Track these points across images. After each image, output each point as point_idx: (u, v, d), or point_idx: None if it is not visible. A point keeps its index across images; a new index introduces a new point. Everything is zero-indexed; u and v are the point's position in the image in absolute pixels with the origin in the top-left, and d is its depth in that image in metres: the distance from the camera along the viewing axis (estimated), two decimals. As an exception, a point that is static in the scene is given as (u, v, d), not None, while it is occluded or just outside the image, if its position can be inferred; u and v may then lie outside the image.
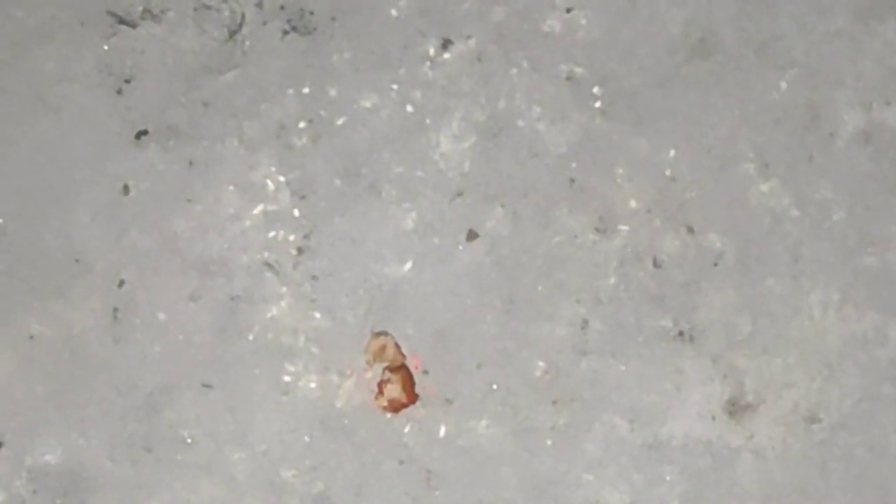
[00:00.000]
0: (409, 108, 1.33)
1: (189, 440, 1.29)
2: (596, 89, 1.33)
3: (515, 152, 1.32)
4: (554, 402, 1.29)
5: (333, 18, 1.34)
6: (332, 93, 1.33)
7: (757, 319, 1.30)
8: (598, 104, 1.33)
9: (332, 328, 1.30)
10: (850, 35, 1.34)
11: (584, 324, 1.30)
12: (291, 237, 1.31)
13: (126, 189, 1.32)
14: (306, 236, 1.31)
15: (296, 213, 1.31)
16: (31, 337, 1.30)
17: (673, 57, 1.34)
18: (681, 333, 1.30)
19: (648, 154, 1.32)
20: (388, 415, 1.29)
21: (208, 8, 1.34)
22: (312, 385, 1.29)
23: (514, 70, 1.33)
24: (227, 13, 1.34)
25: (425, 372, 1.30)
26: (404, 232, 1.31)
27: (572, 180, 1.32)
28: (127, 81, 1.33)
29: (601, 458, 1.29)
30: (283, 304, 1.30)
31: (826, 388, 1.30)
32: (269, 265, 1.30)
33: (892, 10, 1.34)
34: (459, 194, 1.31)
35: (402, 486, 1.29)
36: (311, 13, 1.34)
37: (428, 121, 1.33)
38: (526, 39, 1.34)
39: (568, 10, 1.34)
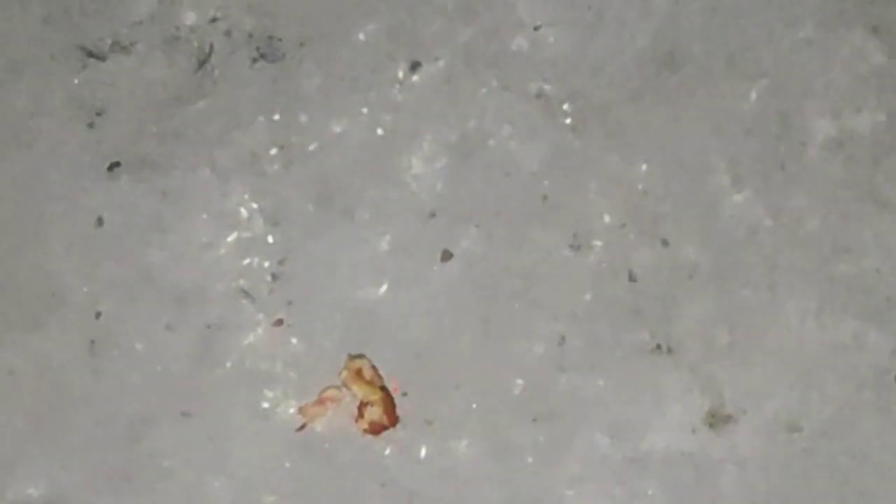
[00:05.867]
0: (380, 132, 1.46)
1: (169, 469, 1.41)
2: (566, 106, 1.46)
3: (487, 172, 1.45)
4: (534, 420, 1.41)
5: (302, 44, 1.48)
6: (303, 119, 1.46)
7: (734, 330, 1.42)
8: (568, 120, 1.46)
9: (308, 353, 1.43)
10: (818, 44, 1.47)
11: (562, 340, 1.42)
12: (266, 264, 1.44)
13: (100, 221, 1.45)
14: (281, 262, 1.44)
15: (270, 239, 1.44)
16: (10, 371, 1.43)
17: (642, 71, 1.47)
18: (658, 346, 1.42)
19: (620, 169, 1.45)
20: (369, 438, 1.41)
21: (177, 39, 1.48)
22: (291, 410, 1.42)
23: (484, 90, 1.47)
24: (195, 43, 1.48)
25: (404, 394, 1.42)
26: (379, 255, 1.44)
27: (545, 197, 1.45)
28: (98, 114, 1.47)
29: (582, 473, 1.41)
30: (259, 330, 1.43)
31: (806, 397, 1.41)
32: (244, 292, 1.43)
33: (860, 18, 1.47)
34: (433, 215, 1.44)
35: (384, 508, 1.41)
36: (280, 40, 1.48)
37: (399, 143, 1.46)
38: (494, 59, 1.47)
39: (535, 28, 1.48)
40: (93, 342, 1.43)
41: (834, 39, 1.47)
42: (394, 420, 1.41)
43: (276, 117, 1.46)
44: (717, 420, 1.42)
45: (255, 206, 1.45)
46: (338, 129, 1.46)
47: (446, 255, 1.43)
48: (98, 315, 1.44)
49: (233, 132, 1.46)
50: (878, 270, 1.43)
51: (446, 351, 1.43)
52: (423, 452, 1.41)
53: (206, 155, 1.46)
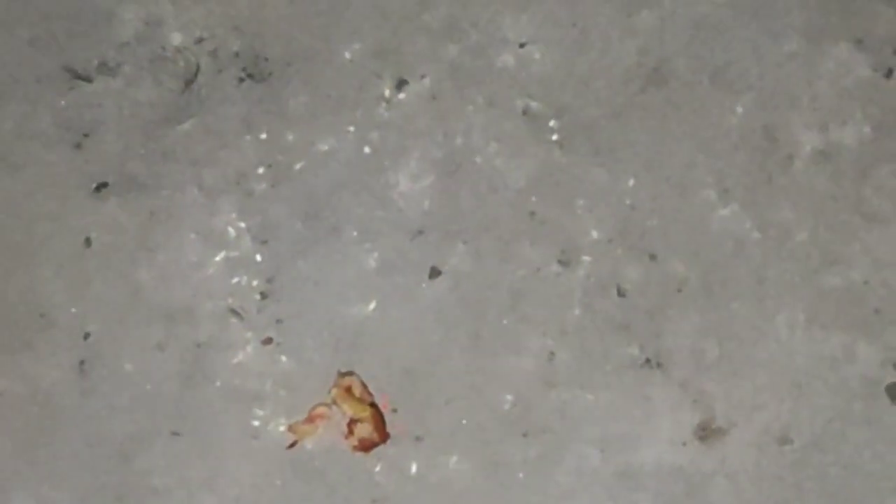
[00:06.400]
0: (367, 150, 1.49)
1: (160, 488, 1.43)
2: (552, 122, 1.49)
3: (474, 188, 1.47)
4: (524, 435, 1.43)
5: (288, 64, 1.50)
6: (290, 137, 1.49)
7: (724, 343, 1.44)
8: (555, 137, 1.49)
9: (298, 371, 1.45)
10: (803, 57, 1.50)
11: (551, 356, 1.45)
12: (254, 282, 1.46)
13: (88, 242, 1.47)
14: (269, 280, 1.46)
15: (258, 258, 1.47)
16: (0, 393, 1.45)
17: (628, 87, 1.50)
18: (648, 361, 1.44)
19: (608, 184, 1.48)
20: (359, 454, 1.43)
21: (163, 59, 1.50)
22: (282, 428, 1.43)
23: (470, 107, 1.49)
24: (182, 63, 1.50)
25: (394, 410, 1.44)
26: (367, 272, 1.46)
27: (533, 214, 1.47)
28: (85, 135, 1.49)
29: (574, 488, 1.42)
30: (248, 349, 1.45)
31: (796, 409, 1.43)
32: (233, 311, 1.45)
33: (844, 32, 1.50)
34: (420, 232, 1.47)
35: (375, 525, 1.43)
36: (266, 59, 1.50)
37: (386, 161, 1.49)
38: (480, 76, 1.50)
39: (521, 45, 1.50)
40: (82, 363, 1.45)
41: (819, 53, 1.50)
42: (384, 436, 1.43)
43: (263, 136, 1.49)
44: (707, 433, 1.43)
45: (242, 225, 1.47)
46: (324, 148, 1.49)
47: (434, 272, 1.45)
48: (87, 335, 1.46)
49: (220, 152, 1.49)
50: (866, 282, 1.45)
51: (436, 367, 1.45)
52: (413, 468, 1.43)
53: (193, 175, 1.48)
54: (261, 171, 1.48)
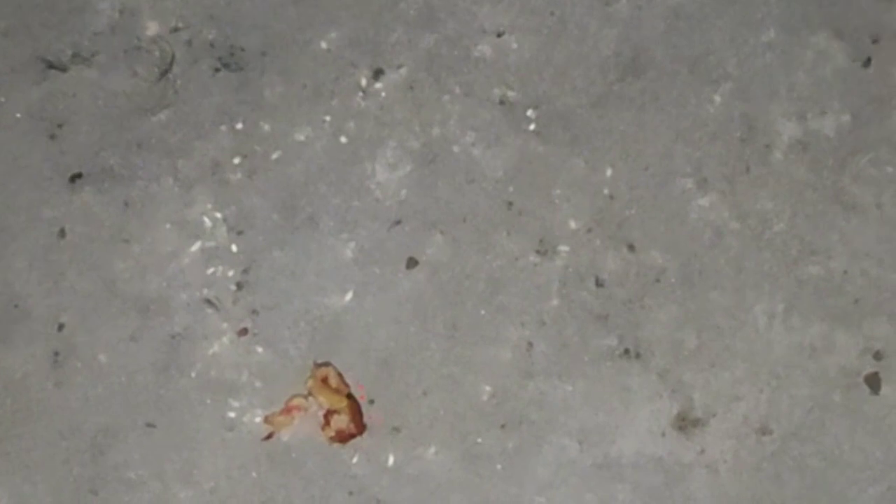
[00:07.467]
0: (344, 139, 1.49)
1: (135, 481, 1.43)
2: (530, 112, 1.50)
3: (452, 178, 1.48)
4: (502, 426, 1.44)
5: (264, 54, 1.51)
6: (266, 127, 1.50)
7: (702, 333, 1.45)
8: (532, 127, 1.50)
9: (274, 362, 1.45)
10: (781, 47, 1.51)
11: (529, 346, 1.45)
12: (230, 273, 1.47)
13: (62, 232, 1.47)
14: (245, 271, 1.47)
15: (234, 248, 1.47)
16: (-27, 385, 1.45)
17: (605, 76, 1.51)
18: (626, 351, 1.45)
19: (585, 174, 1.48)
20: (336, 446, 1.43)
21: (138, 49, 1.51)
22: (257, 420, 1.44)
23: (447, 96, 1.50)
24: (157, 53, 1.51)
25: (371, 401, 1.44)
26: (344, 262, 1.47)
27: (510, 203, 1.48)
28: (59, 126, 1.49)
29: (552, 479, 1.43)
30: (224, 339, 1.45)
31: (775, 399, 1.44)
32: (208, 301, 1.46)
33: (822, 21, 1.51)
34: (397, 222, 1.47)
35: (352, 517, 1.44)
36: (242, 49, 1.51)
37: (363, 151, 1.49)
38: (457, 65, 1.51)
39: (498, 35, 1.51)
40: (56, 354, 1.46)
41: (797, 43, 1.51)
42: (361, 428, 1.43)
43: (239, 126, 1.50)
44: (686, 424, 1.44)
45: (218, 215, 1.47)
46: (301, 138, 1.49)
47: (412, 262, 1.46)
48: (61, 327, 1.46)
49: (195, 142, 1.49)
50: (845, 272, 1.46)
51: (413, 358, 1.45)
52: (390, 460, 1.44)
53: (168, 165, 1.49)
54: (237, 161, 1.48)
